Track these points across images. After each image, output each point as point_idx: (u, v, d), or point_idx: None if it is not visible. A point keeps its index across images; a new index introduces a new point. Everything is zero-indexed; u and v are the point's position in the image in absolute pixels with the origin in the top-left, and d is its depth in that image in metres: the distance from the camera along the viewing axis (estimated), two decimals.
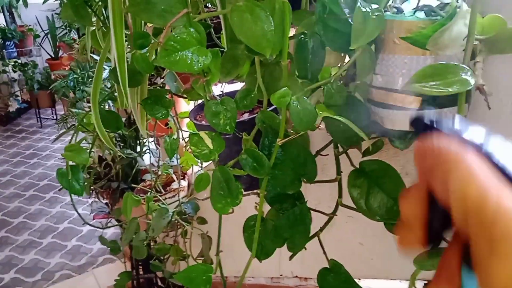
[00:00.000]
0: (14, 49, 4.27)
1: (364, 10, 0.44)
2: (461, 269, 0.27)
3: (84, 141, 1.19)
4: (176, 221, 1.10)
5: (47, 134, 4.09)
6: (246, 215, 0.62)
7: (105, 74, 1.10)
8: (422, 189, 0.28)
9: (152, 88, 0.94)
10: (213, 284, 0.59)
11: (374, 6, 0.46)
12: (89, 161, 1.04)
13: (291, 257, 0.62)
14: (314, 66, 0.51)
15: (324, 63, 0.53)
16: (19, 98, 4.43)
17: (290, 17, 0.46)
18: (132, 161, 1.35)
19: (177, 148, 1.07)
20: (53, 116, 4.32)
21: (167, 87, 0.95)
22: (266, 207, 0.61)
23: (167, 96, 0.87)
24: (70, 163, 0.93)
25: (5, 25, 4.19)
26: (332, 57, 0.55)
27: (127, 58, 0.74)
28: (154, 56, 0.77)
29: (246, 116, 0.80)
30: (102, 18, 0.94)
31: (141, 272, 1.70)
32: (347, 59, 0.55)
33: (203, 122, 0.83)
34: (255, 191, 0.78)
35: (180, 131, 1.04)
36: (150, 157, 1.34)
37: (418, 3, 0.49)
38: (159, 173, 1.27)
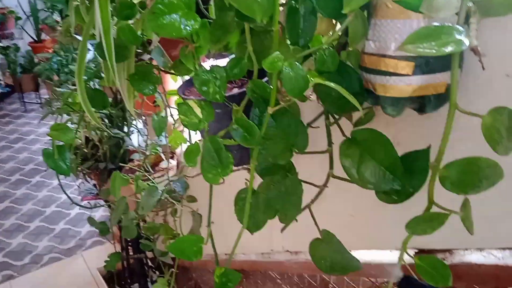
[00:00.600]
0: None
1: None
2: None
3: (70, 123, 1.17)
4: (166, 200, 1.10)
5: (32, 119, 4.02)
6: (236, 192, 0.61)
7: (90, 55, 1.07)
8: None
9: (139, 64, 0.92)
10: (204, 262, 0.58)
11: None
12: (76, 141, 1.02)
13: (282, 229, 0.62)
14: (306, 32, 0.50)
15: (316, 30, 0.52)
16: (2, 82, 4.33)
17: None
18: (119, 141, 1.34)
19: (165, 126, 1.06)
20: (37, 100, 4.24)
21: (154, 63, 0.93)
22: (257, 181, 0.61)
23: (155, 72, 0.86)
24: (57, 142, 0.91)
25: None
26: (323, 24, 0.54)
27: (112, 32, 0.72)
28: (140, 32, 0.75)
29: (235, 91, 0.79)
30: None
31: (131, 253, 1.70)
32: (338, 27, 0.54)
33: (192, 97, 0.82)
34: (245, 166, 0.77)
35: (168, 109, 1.02)
36: (138, 136, 1.33)
37: None
38: (148, 152, 1.26)
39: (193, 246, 0.52)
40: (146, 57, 1.08)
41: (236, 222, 0.59)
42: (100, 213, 2.44)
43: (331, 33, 0.56)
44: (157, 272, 1.76)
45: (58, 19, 3.87)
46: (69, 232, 2.54)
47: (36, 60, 3.83)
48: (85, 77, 0.90)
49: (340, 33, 0.52)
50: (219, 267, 0.54)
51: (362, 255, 0.75)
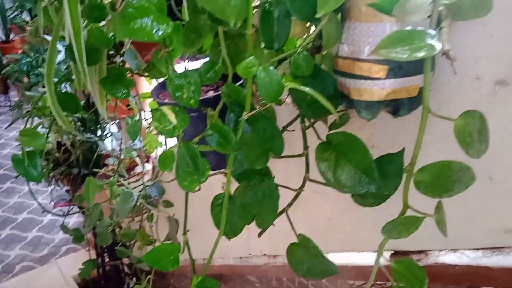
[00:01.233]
0: None
1: None
2: None
3: (40, 126, 1.13)
4: (141, 205, 1.08)
5: (1, 122, 3.89)
6: (213, 196, 0.61)
7: (61, 56, 1.04)
8: None
9: (111, 66, 0.89)
10: (182, 267, 0.57)
11: None
12: (47, 146, 0.99)
13: (260, 234, 0.62)
14: (280, 36, 0.50)
15: (290, 33, 0.52)
16: None
17: None
18: (93, 146, 1.31)
19: (139, 130, 1.04)
20: (6, 103, 4.11)
21: (127, 65, 0.91)
22: (234, 186, 0.60)
23: (128, 75, 0.84)
24: (26, 148, 0.88)
25: None
26: (298, 28, 0.54)
27: (83, 33, 0.70)
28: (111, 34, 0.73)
29: (210, 94, 0.79)
30: None
31: (106, 260, 1.67)
32: (312, 30, 0.54)
33: (166, 101, 0.80)
34: (221, 170, 0.77)
35: (142, 112, 1.00)
36: (112, 140, 1.30)
37: None
38: (122, 157, 1.23)
39: (169, 256, 0.51)
40: (118, 59, 1.06)
41: (214, 225, 0.58)
42: (74, 219, 2.38)
43: (305, 36, 0.55)
44: (134, 279, 1.73)
45: (27, 18, 3.75)
46: (42, 240, 2.47)
47: (5, 61, 3.71)
48: (56, 79, 0.87)
49: (314, 36, 0.52)
50: (196, 275, 0.53)
51: (340, 258, 0.75)
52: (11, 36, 4.17)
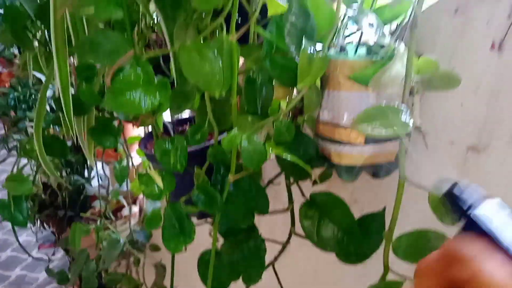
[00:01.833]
0: None
1: (309, 51, 0.45)
2: None
3: (29, 165, 1.13)
4: (128, 250, 1.07)
5: None
6: (201, 241, 0.61)
7: (50, 93, 1.05)
8: None
9: (99, 115, 0.91)
10: None
11: (319, 45, 0.48)
12: (33, 189, 0.98)
13: None
14: (264, 101, 0.52)
15: (273, 96, 0.54)
16: None
17: (238, 57, 0.47)
18: (79, 187, 1.30)
19: (127, 175, 1.05)
20: None
21: (115, 113, 0.92)
22: (221, 237, 0.61)
23: (115, 122, 0.85)
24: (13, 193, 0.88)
25: None
26: (281, 91, 0.56)
27: (72, 84, 0.71)
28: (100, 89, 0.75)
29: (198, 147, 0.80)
30: (44, 42, 0.91)
31: None
32: (295, 91, 0.56)
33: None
34: (208, 219, 0.77)
35: (129, 158, 1.01)
36: (99, 183, 1.30)
37: (359, 40, 0.51)
38: (109, 198, 1.23)
39: None
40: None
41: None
42: (59, 256, 2.33)
43: (288, 98, 0.58)
44: None
45: (16, 52, 3.77)
46: (25, 279, 2.40)
47: None
48: (44, 125, 0.88)
49: (296, 102, 0.55)
50: None
51: None
52: None
